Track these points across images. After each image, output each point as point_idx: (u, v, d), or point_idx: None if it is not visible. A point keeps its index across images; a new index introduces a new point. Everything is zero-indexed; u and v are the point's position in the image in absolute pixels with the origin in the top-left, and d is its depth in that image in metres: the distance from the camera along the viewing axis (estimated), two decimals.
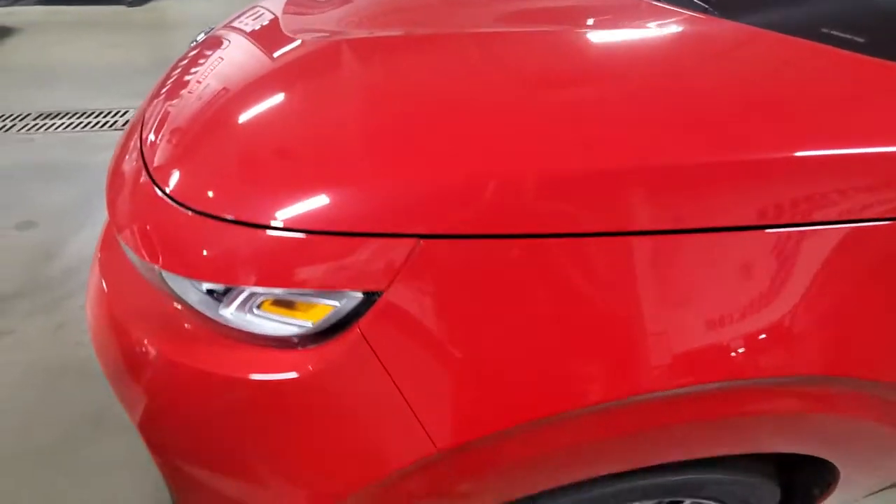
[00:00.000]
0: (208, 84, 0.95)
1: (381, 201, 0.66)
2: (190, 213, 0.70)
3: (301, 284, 0.66)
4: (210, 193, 0.71)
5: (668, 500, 1.01)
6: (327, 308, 0.67)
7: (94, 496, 1.47)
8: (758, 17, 0.96)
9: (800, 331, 0.68)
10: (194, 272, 0.69)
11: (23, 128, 3.34)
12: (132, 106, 3.52)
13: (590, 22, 1.06)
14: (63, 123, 3.38)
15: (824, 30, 0.87)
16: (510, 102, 0.78)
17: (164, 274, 0.73)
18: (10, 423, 1.65)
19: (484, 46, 0.98)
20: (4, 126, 3.36)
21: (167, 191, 0.74)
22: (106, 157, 0.95)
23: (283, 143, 0.77)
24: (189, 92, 0.96)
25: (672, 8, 1.03)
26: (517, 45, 0.99)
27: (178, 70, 1.10)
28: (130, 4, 5.91)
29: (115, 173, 0.89)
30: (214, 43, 1.14)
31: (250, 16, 1.24)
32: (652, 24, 0.99)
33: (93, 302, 0.92)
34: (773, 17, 0.95)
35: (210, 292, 0.71)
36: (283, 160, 0.74)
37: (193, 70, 1.05)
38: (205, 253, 0.69)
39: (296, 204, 0.66)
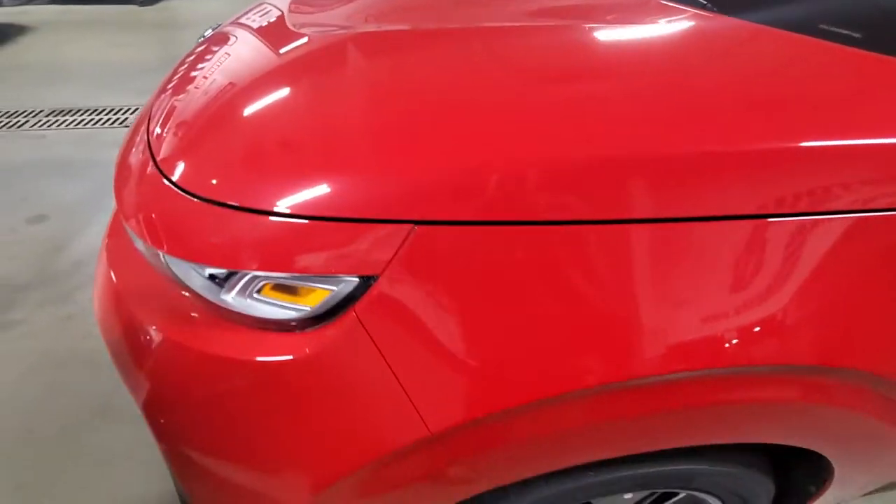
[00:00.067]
0: (214, 79, 0.97)
1: (377, 188, 0.68)
2: (195, 200, 0.72)
3: (300, 269, 0.68)
4: (214, 181, 0.73)
5: (661, 491, 1.02)
6: (325, 292, 0.69)
7: (99, 486, 1.50)
8: (760, 14, 0.97)
9: (802, 321, 0.69)
10: (198, 257, 0.71)
11: (35, 124, 3.39)
12: (141, 103, 3.56)
13: (593, 17, 1.08)
14: (74, 120, 3.43)
15: (823, 26, 0.88)
16: (507, 93, 0.80)
17: (169, 259, 0.75)
18: (17, 411, 1.68)
19: (485, 40, 1.00)
20: (17, 123, 3.42)
21: (173, 179, 0.76)
22: (115, 154, 0.97)
23: (285, 133, 0.79)
24: (195, 87, 0.98)
25: (675, 5, 1.05)
26: (518, 39, 1.01)
27: (185, 66, 1.13)
28: (142, 4, 5.95)
29: (123, 165, 0.91)
30: (221, 39, 1.17)
31: (257, 12, 1.27)
32: (655, 21, 1.00)
33: (100, 287, 0.94)
34: (774, 14, 0.96)
35: (212, 277, 0.74)
36: (284, 149, 0.76)
37: (200, 65, 1.07)
38: (209, 239, 0.71)
39: (294, 191, 0.68)
